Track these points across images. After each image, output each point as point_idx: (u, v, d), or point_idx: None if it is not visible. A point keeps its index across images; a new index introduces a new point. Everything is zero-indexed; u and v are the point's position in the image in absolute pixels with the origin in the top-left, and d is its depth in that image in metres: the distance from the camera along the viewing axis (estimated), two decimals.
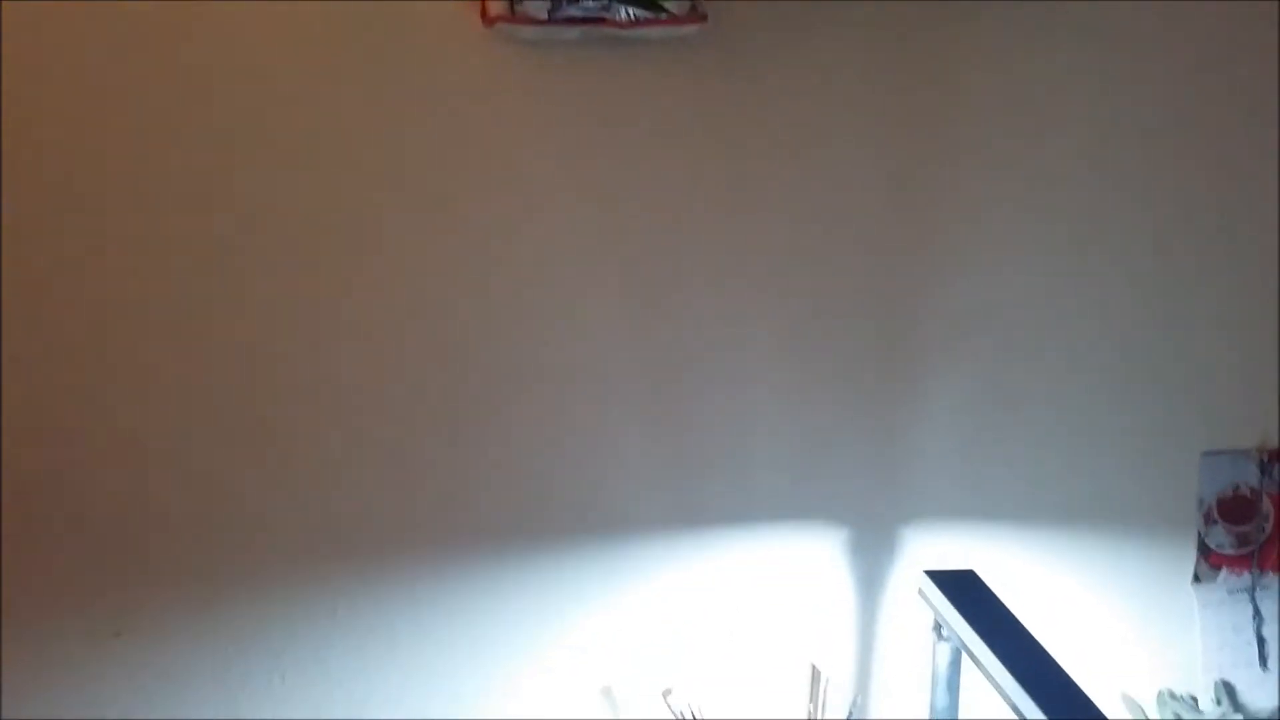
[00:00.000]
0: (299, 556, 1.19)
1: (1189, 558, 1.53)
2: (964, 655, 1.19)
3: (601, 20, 1.18)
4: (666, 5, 1.18)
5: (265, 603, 1.18)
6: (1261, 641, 1.54)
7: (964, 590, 1.20)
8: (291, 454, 1.18)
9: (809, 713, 1.31)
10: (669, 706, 1.28)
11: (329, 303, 1.18)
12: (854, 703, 1.34)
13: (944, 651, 1.22)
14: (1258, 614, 1.54)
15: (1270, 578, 1.54)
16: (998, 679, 1.10)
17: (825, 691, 1.31)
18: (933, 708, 1.23)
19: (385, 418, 1.20)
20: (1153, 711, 1.48)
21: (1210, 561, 1.53)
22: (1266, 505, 1.53)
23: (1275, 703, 1.55)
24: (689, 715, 1.28)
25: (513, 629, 1.27)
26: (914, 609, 1.39)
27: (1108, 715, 1.01)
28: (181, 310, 1.13)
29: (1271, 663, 1.54)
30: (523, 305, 1.24)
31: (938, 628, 1.21)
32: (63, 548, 1.12)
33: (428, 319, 1.21)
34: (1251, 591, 1.54)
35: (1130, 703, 1.48)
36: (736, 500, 1.35)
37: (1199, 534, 1.53)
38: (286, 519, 1.18)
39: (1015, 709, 1.07)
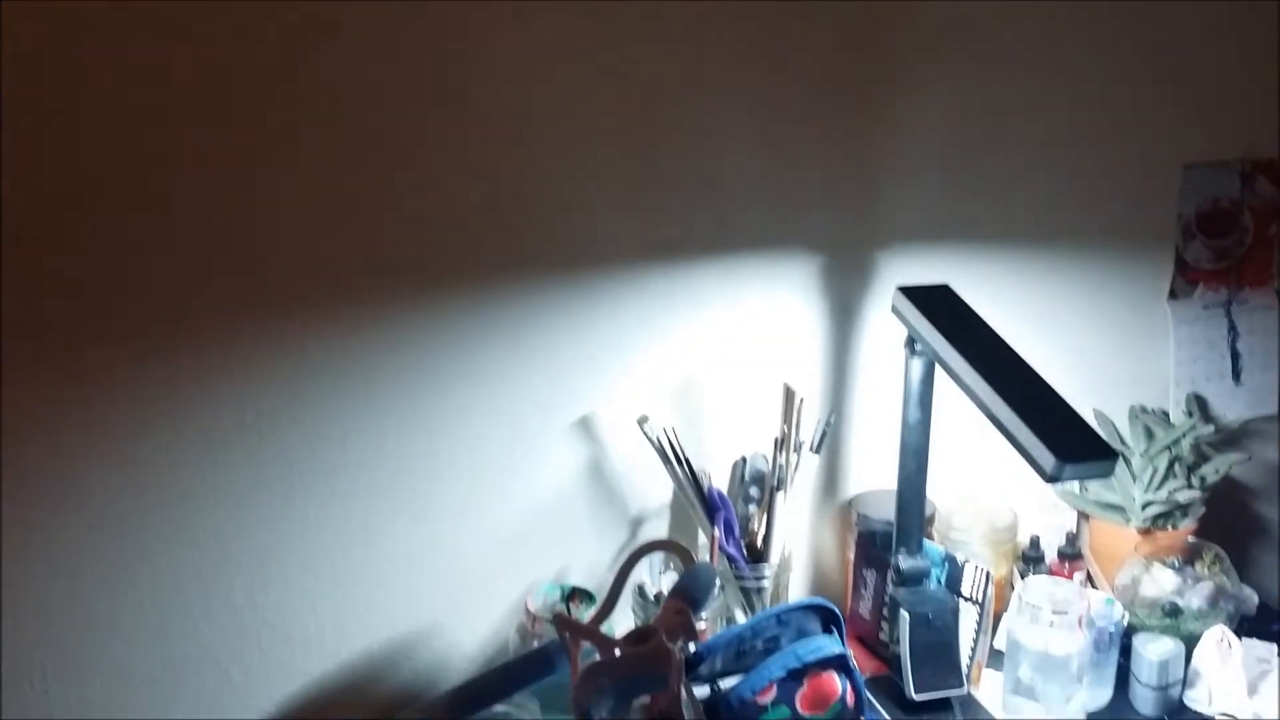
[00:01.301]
0: (265, 297, 1.16)
1: (1166, 274, 1.52)
2: (936, 369, 1.20)
3: None
4: None
5: (232, 344, 1.16)
6: (1235, 355, 1.55)
7: (938, 303, 1.19)
8: (253, 189, 1.13)
9: (782, 432, 1.32)
10: (645, 433, 1.29)
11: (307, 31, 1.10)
12: (827, 421, 1.35)
13: (917, 366, 1.21)
14: (1233, 328, 1.54)
15: (1247, 292, 1.54)
16: (972, 387, 1.10)
17: (799, 411, 1.31)
18: (905, 423, 1.24)
19: (342, 152, 1.15)
20: (1124, 427, 1.50)
21: (1187, 277, 1.52)
22: (1247, 218, 1.51)
23: (1245, 415, 1.57)
24: (665, 440, 1.29)
25: (486, 363, 1.26)
26: (888, 331, 1.39)
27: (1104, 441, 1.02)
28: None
29: (1244, 376, 1.56)
30: (479, 28, 1.17)
31: (910, 343, 1.21)
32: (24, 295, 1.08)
33: (381, 48, 1.13)
34: (1227, 306, 1.54)
35: (1102, 418, 1.50)
36: (710, 228, 1.32)
37: (1177, 249, 1.51)
38: (251, 260, 1.14)
39: (990, 416, 1.08)
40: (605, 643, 0.88)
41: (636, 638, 0.88)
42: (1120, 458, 1.45)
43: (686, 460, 1.31)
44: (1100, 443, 1.00)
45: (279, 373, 1.17)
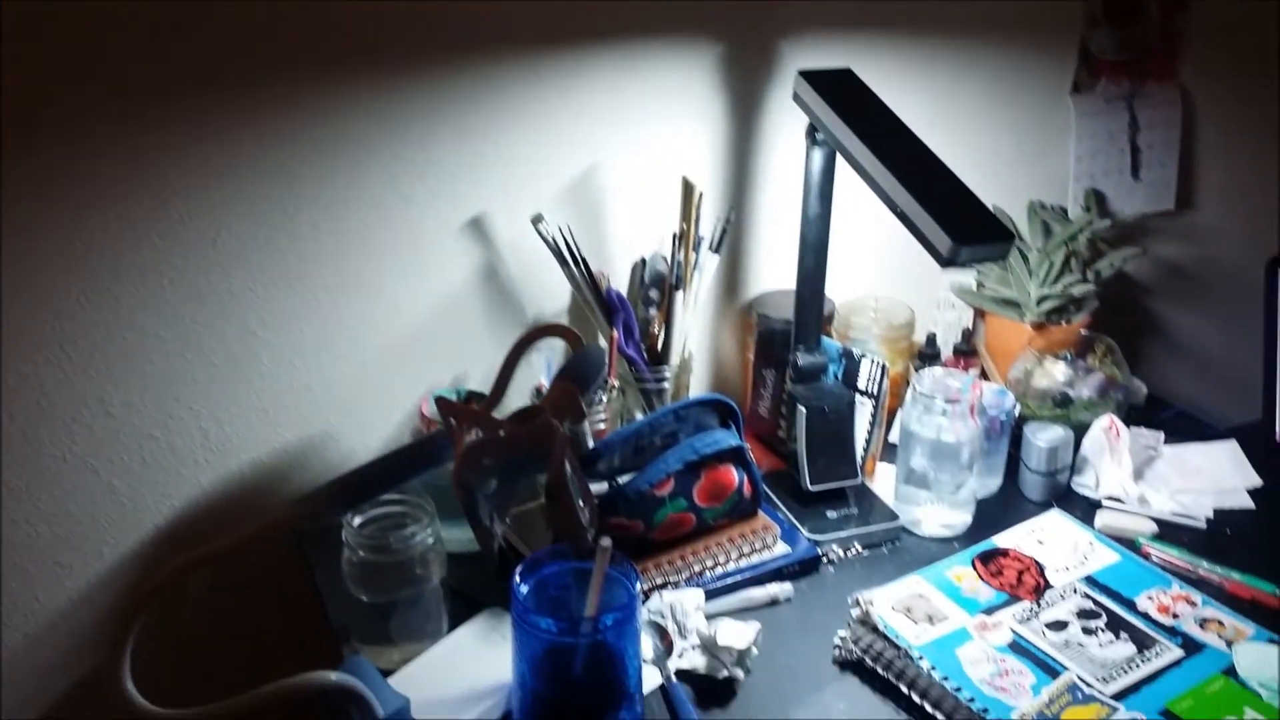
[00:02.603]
0: (135, 85, 1.06)
1: (1069, 67, 1.49)
2: (838, 162, 1.16)
3: None
4: None
5: (91, 135, 1.07)
6: (1135, 150, 1.54)
7: (840, 89, 1.15)
8: None
9: (681, 229, 1.29)
10: (540, 233, 1.25)
11: None
12: (727, 218, 1.32)
13: (817, 157, 1.18)
14: (1134, 122, 1.53)
15: (1151, 86, 1.52)
16: (871, 171, 1.07)
17: (698, 207, 1.28)
18: (804, 217, 1.21)
19: None
20: (1023, 224, 1.50)
21: (1091, 69, 1.49)
22: (1153, 7, 1.47)
23: (1142, 210, 1.58)
24: (561, 240, 1.25)
25: (370, 160, 1.18)
26: (789, 126, 1.35)
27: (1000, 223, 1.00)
28: None
29: (1143, 172, 1.56)
30: None
31: (811, 131, 1.17)
32: None
33: None
34: (1129, 100, 1.52)
35: (1001, 215, 1.49)
36: (606, 15, 1.24)
37: (1082, 39, 1.48)
38: (120, 52, 1.04)
39: (888, 200, 1.05)
40: (490, 423, 0.86)
41: (522, 417, 0.86)
42: (1018, 254, 1.45)
43: (583, 260, 1.27)
44: (996, 224, 0.98)
45: (146, 168, 1.09)
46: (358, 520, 1.04)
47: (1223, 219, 1.65)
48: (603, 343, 1.30)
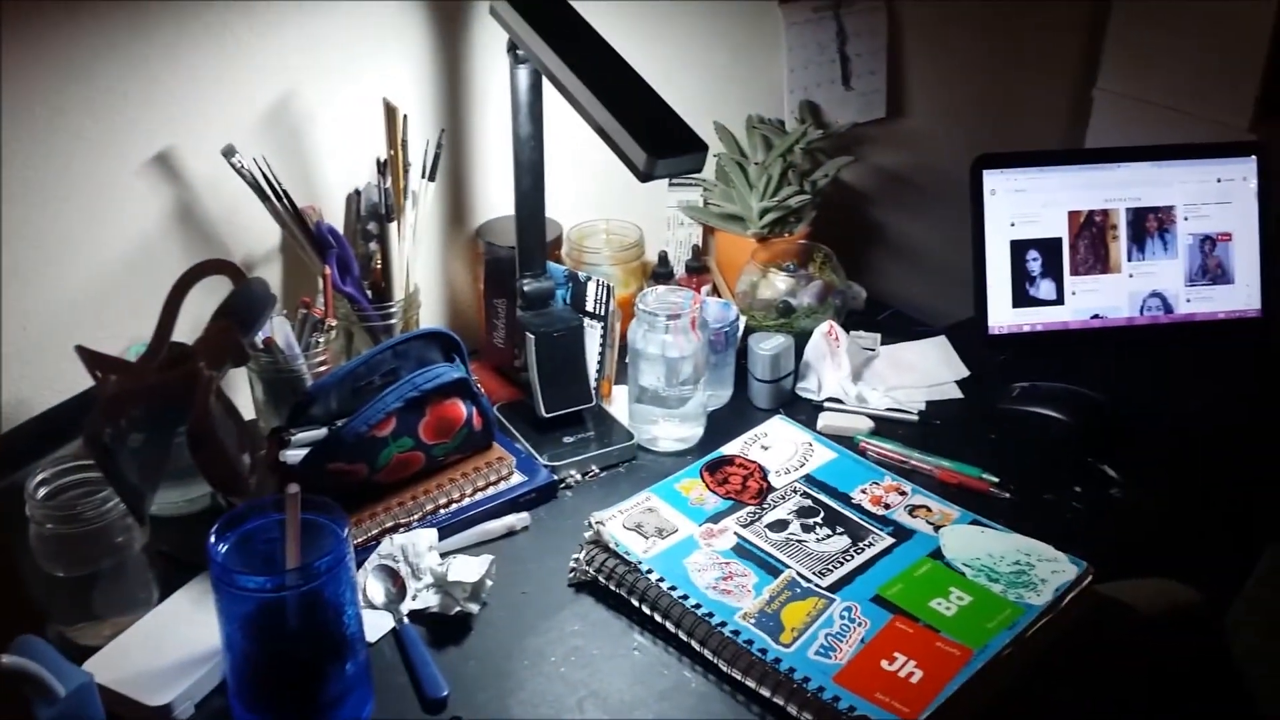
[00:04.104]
0: None
1: None
2: (544, 78, 1.13)
3: None
4: None
5: None
6: (845, 60, 1.58)
7: (540, 6, 1.11)
8: None
9: (389, 155, 1.23)
10: (233, 166, 1.16)
11: None
12: (438, 142, 1.27)
13: (523, 75, 1.15)
14: (842, 32, 1.56)
15: None
16: (570, 89, 1.04)
17: (404, 130, 1.22)
18: (516, 137, 1.18)
19: None
20: (743, 139, 1.52)
21: None
22: None
23: (855, 119, 1.63)
24: (257, 171, 1.17)
25: (25, 94, 1.07)
26: (499, 39, 1.31)
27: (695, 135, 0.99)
28: None
29: (853, 81, 1.60)
30: None
31: (513, 49, 1.13)
32: None
33: None
34: (836, 9, 1.55)
35: (722, 131, 1.50)
36: None
37: None
38: None
39: (589, 118, 1.03)
40: (134, 371, 0.79)
41: (171, 363, 0.79)
42: (739, 168, 1.47)
43: (285, 194, 1.19)
44: (689, 135, 0.98)
45: None
46: (42, 491, 0.96)
47: (931, 124, 1.73)
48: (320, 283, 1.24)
